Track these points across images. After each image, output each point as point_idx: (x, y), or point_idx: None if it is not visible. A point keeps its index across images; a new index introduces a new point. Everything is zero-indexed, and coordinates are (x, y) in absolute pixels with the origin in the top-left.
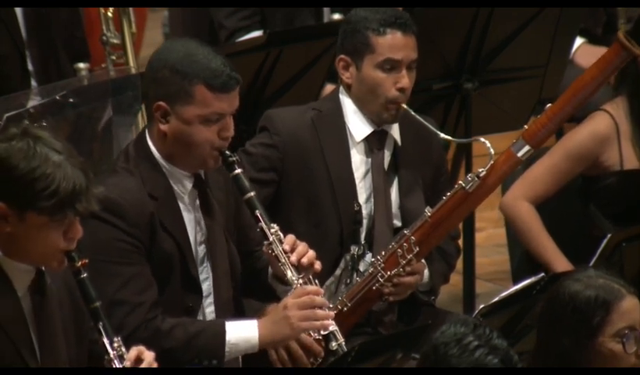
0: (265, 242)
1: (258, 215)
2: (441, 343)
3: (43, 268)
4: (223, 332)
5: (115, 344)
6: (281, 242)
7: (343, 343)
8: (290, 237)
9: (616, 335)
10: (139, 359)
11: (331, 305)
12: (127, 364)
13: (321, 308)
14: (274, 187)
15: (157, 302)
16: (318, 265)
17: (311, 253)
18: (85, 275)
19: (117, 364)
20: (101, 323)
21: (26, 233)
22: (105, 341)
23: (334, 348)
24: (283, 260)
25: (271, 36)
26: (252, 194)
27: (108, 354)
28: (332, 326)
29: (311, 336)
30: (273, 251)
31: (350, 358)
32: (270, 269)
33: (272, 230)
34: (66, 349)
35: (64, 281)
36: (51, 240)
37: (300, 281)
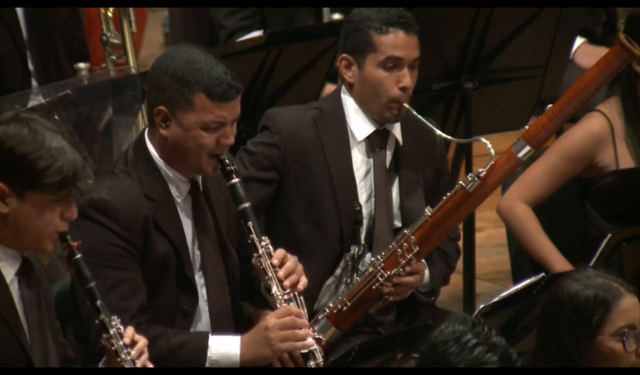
0: (255, 254)
1: (250, 226)
2: (440, 341)
3: (25, 255)
4: (205, 346)
5: (114, 323)
6: (270, 256)
7: (322, 363)
8: (280, 252)
9: (615, 334)
10: (134, 341)
11: (331, 305)
12: (127, 340)
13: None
14: (274, 186)
15: (144, 308)
16: (302, 284)
17: (299, 269)
18: (79, 255)
19: (118, 341)
20: (98, 302)
21: (26, 214)
22: (105, 318)
23: (312, 367)
24: (270, 274)
25: (271, 36)
26: (247, 205)
27: (108, 332)
28: (312, 346)
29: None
30: (262, 263)
31: (350, 358)
32: None
33: (263, 243)
34: (51, 337)
35: (44, 272)
36: (49, 220)
37: (285, 297)
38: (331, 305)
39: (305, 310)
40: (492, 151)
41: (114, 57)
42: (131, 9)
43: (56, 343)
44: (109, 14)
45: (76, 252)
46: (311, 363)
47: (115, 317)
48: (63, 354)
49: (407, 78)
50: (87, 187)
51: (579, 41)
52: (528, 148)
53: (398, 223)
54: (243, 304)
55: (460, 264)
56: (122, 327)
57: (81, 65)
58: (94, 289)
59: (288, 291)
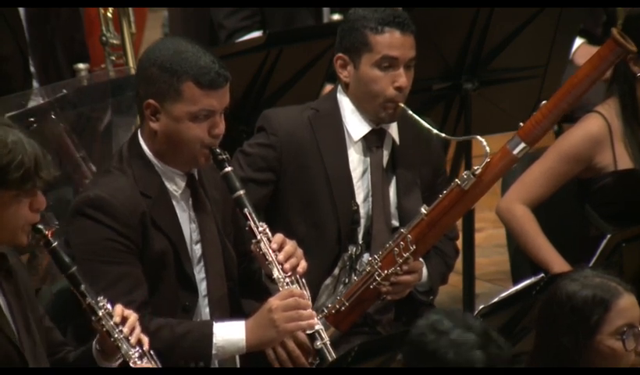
0: (253, 240)
1: (247, 213)
2: (416, 335)
3: (4, 251)
4: (210, 334)
5: (101, 304)
6: (269, 240)
7: (328, 342)
8: (279, 236)
9: (615, 333)
10: (124, 318)
11: (329, 305)
12: (117, 319)
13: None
14: (271, 187)
15: (146, 302)
16: (301, 268)
17: (299, 253)
18: (56, 243)
19: (108, 321)
20: (82, 286)
21: None
22: (91, 301)
23: (319, 347)
24: (270, 259)
25: (270, 36)
26: (241, 192)
27: (96, 314)
28: (317, 325)
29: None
30: (261, 249)
31: (350, 358)
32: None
33: (260, 229)
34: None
35: (18, 260)
36: (20, 213)
37: (287, 280)
38: (329, 305)
39: (308, 292)
40: (488, 148)
41: (113, 57)
42: (131, 10)
43: (41, 329)
44: (109, 15)
45: (52, 241)
46: (318, 343)
47: (102, 298)
48: (51, 338)
49: (403, 78)
50: (51, 177)
51: (579, 41)
52: (522, 145)
53: (396, 223)
54: (245, 301)
55: (459, 264)
56: (110, 307)
57: (81, 65)
58: (76, 274)
59: (289, 273)
